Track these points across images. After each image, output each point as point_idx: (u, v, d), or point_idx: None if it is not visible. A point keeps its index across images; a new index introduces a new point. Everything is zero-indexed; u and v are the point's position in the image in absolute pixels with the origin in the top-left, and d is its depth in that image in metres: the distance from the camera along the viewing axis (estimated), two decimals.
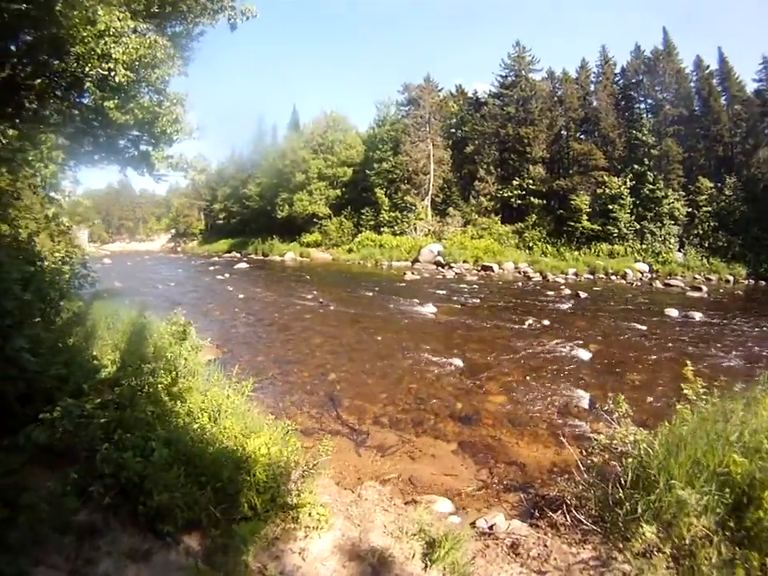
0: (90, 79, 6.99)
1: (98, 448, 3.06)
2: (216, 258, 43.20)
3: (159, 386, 4.07)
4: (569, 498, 3.58)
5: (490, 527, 3.84)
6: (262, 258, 42.24)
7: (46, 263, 5.19)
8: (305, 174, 43.33)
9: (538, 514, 3.88)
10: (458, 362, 9.34)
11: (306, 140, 46.49)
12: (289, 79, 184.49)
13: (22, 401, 3.33)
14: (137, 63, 6.90)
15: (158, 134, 9.58)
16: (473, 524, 3.91)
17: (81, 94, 7.54)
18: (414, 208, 38.04)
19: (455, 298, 18.13)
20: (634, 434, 3.47)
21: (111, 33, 6.14)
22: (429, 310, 15.10)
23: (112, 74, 6.52)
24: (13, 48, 6.68)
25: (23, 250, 4.78)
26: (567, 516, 3.37)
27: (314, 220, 42.83)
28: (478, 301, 17.75)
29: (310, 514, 3.25)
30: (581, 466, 3.81)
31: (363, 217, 40.10)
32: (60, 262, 5.54)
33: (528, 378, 8.58)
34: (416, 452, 5.70)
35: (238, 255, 44.80)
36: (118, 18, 6.43)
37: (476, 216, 36.69)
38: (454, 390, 7.95)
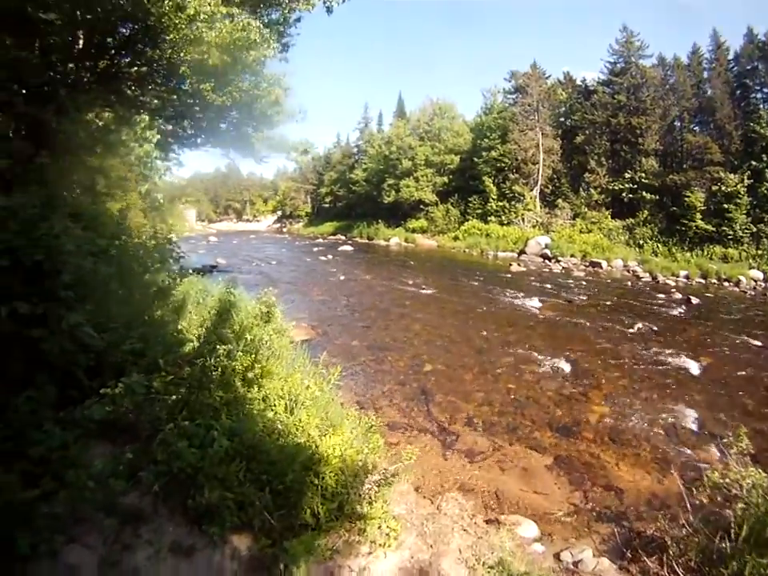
0: (185, 64, 7.27)
1: (161, 428, 3.05)
2: (320, 240, 44.89)
3: (234, 368, 4.04)
4: (668, 541, 3.06)
5: (576, 563, 3.53)
6: (366, 241, 42.93)
7: (134, 238, 5.41)
8: (411, 161, 43.29)
9: (630, 555, 3.49)
10: (561, 364, 8.61)
11: (412, 127, 46.63)
12: (394, 66, 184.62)
13: (91, 374, 3.40)
14: (231, 46, 7.04)
15: (257, 115, 9.96)
16: (557, 555, 3.64)
17: (178, 80, 7.93)
18: (522, 198, 36.61)
19: (561, 294, 17.03)
20: (752, 476, 2.80)
21: (202, 18, 6.30)
22: (533, 304, 14.32)
23: (206, 57, 6.71)
24: (110, 41, 7.13)
25: (104, 225, 5.01)
26: (663, 565, 2.84)
27: (421, 206, 42.71)
28: (585, 298, 16.50)
29: (379, 527, 2.99)
30: (686, 503, 3.40)
31: (470, 205, 39.21)
32: (148, 238, 5.77)
33: (633, 388, 7.70)
34: (507, 462, 5.25)
35: (343, 238, 45.91)
36: (209, 4, 6.57)
37: (585, 209, 34.53)
38: (554, 395, 7.28)
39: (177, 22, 6.59)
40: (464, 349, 9.43)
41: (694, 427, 6.31)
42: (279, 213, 77.02)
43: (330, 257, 27.64)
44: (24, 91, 6.30)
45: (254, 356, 4.47)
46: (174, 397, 3.40)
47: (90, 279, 3.53)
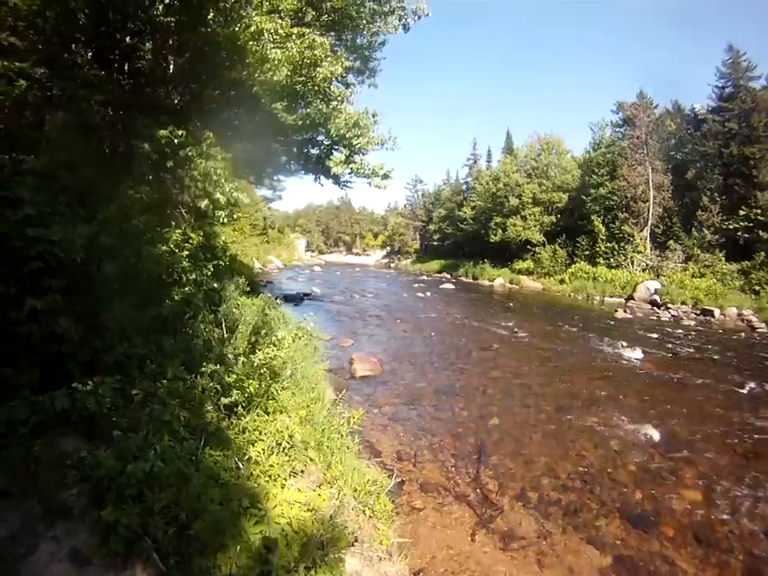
0: (259, 85, 7.80)
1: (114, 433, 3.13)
2: (424, 277, 46.08)
3: (213, 391, 4.02)
4: None
5: None
6: (471, 281, 43.44)
7: (170, 251, 5.71)
8: (519, 199, 43.24)
9: None
10: (653, 431, 7.39)
11: (519, 163, 46.70)
12: (502, 102, 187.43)
13: (89, 370, 3.67)
14: (299, 63, 7.42)
15: (333, 136, 10.38)
16: None
17: (253, 100, 8.52)
18: (631, 239, 34.74)
19: (667, 345, 15.27)
20: None
21: (267, 37, 6.73)
22: (634, 356, 12.93)
23: (270, 74, 7.13)
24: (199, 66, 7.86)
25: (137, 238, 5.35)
26: None
27: (527, 246, 42.18)
28: (692, 351, 14.61)
29: None
30: None
31: (578, 246, 38.09)
32: (183, 251, 6.03)
33: (737, 468, 6.18)
34: (551, 556, 4.35)
35: (448, 276, 46.91)
36: (281, 26, 7.00)
37: (698, 251, 31.35)
38: (636, 469, 6.16)
39: (255, 48, 7.12)
40: (542, 403, 8.55)
41: None
42: (388, 248, 79.65)
43: (428, 294, 27.83)
44: (111, 111, 7.11)
45: (258, 384, 4.39)
46: (147, 409, 3.45)
47: (82, 279, 3.70)
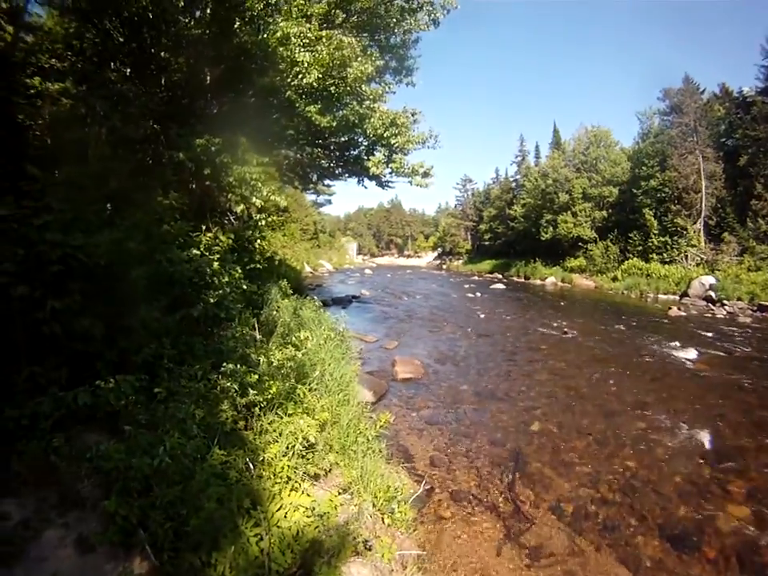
0: (291, 89, 7.96)
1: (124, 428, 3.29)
2: (475, 278, 45.54)
3: (230, 391, 4.10)
4: None
5: None
6: (522, 281, 42.74)
7: (200, 254, 5.90)
8: (568, 194, 42.08)
9: None
10: (703, 438, 6.88)
11: (567, 158, 45.43)
12: (547, 95, 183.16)
13: (116, 368, 3.88)
14: (330, 65, 7.52)
15: (371, 137, 10.44)
16: None
17: (287, 105, 8.71)
18: (684, 233, 32.84)
19: (722, 344, 14.28)
20: None
21: (295, 41, 6.87)
22: (687, 356, 12.18)
23: (300, 77, 7.27)
24: (233, 76, 8.13)
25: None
26: None
27: (579, 244, 41.04)
28: (749, 350, 13.54)
29: None
30: None
31: (630, 242, 36.79)
32: (213, 254, 6.20)
33: None
34: (578, 575, 4.11)
35: (499, 276, 46.23)
36: (310, 30, 7.12)
37: (753, 243, 29.11)
38: (682, 481, 5.71)
39: (285, 53, 7.29)
40: (588, 407, 8.16)
41: None
42: (439, 249, 79.29)
43: (478, 294, 27.51)
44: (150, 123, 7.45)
45: (282, 384, 4.46)
46: (162, 407, 3.61)
47: (107, 282, 3.88)
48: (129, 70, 7.12)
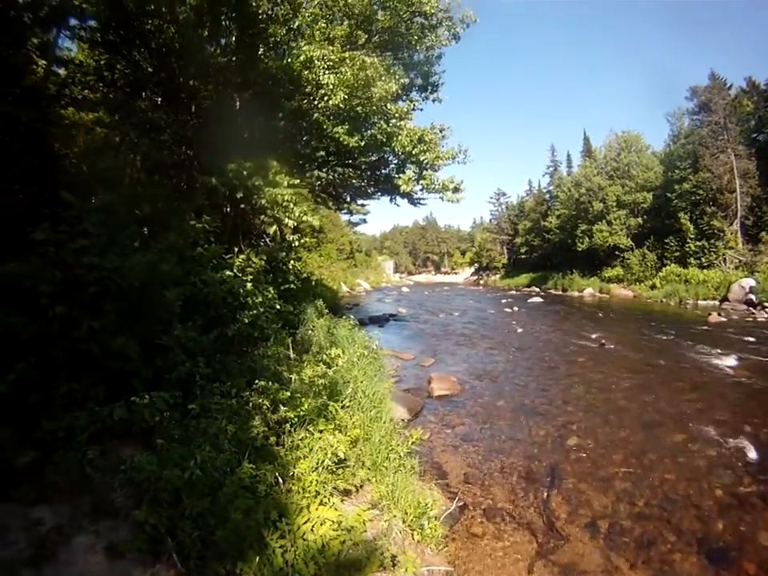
0: (317, 111, 8.16)
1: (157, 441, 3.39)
2: (513, 292, 45.20)
3: (262, 407, 4.17)
4: None
5: None
6: (560, 293, 42.27)
7: (233, 276, 6.03)
8: (602, 203, 41.72)
9: None
10: (745, 449, 6.51)
11: (599, 165, 45.08)
12: (577, 103, 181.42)
13: (151, 385, 4.03)
14: (354, 85, 7.68)
15: (399, 154, 10.56)
16: None
17: (316, 127, 8.91)
18: (721, 235, 31.96)
19: (764, 349, 13.65)
20: None
21: (318, 64, 7.06)
22: (728, 363, 11.71)
23: (326, 99, 7.44)
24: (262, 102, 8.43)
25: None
26: None
27: (616, 253, 40.65)
28: None
29: None
30: None
31: (667, 247, 36.00)
32: (246, 275, 6.34)
33: None
34: None
35: (537, 289, 45.95)
36: (331, 51, 7.33)
37: None
38: (724, 494, 5.40)
39: (310, 76, 7.50)
40: (627, 420, 7.88)
41: None
42: (476, 264, 78.88)
43: (515, 309, 27.20)
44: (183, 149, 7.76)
45: (314, 401, 4.51)
46: (194, 422, 3.69)
47: (142, 303, 4.02)
48: (159, 99, 7.47)
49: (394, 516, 3.91)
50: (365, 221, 52.51)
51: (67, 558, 2.51)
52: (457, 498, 5.06)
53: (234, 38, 7.64)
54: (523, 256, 61.31)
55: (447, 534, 4.37)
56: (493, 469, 6.12)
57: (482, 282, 68.00)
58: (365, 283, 51.27)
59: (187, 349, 4.73)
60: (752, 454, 6.42)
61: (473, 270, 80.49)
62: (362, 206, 27.02)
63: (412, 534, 3.92)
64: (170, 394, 3.75)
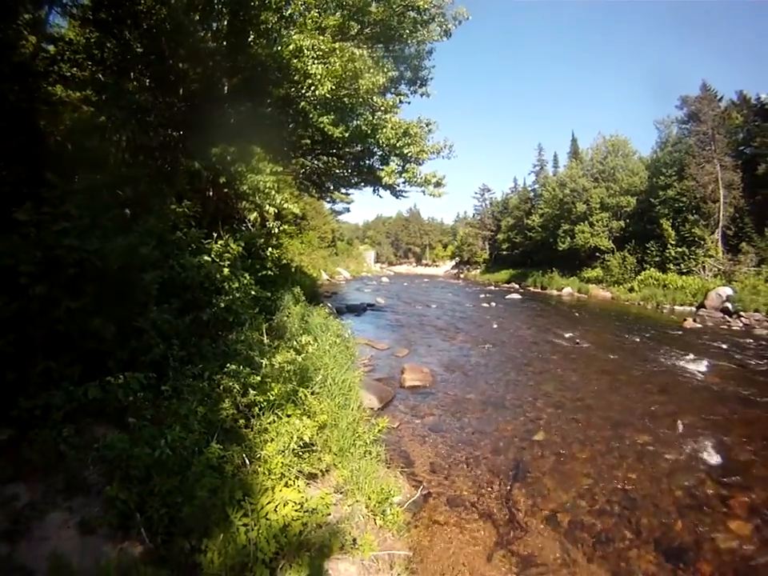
0: (304, 100, 8.22)
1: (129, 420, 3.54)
2: (492, 287, 45.52)
3: (232, 390, 4.30)
4: None
5: None
6: (539, 291, 42.80)
7: (211, 261, 6.13)
8: (586, 204, 42.39)
9: None
10: (708, 452, 6.83)
11: (585, 167, 45.68)
12: (566, 104, 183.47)
13: (125, 366, 4.11)
14: (342, 76, 7.75)
15: (384, 147, 10.67)
16: None
17: (302, 116, 8.96)
18: (702, 243, 32.85)
19: (735, 357, 14.15)
20: None
21: (308, 54, 7.12)
22: (699, 368, 12.12)
23: (312, 88, 7.51)
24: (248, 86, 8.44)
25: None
26: None
27: (596, 254, 41.30)
28: (763, 363, 13.39)
29: None
30: None
31: (648, 252, 36.83)
32: (224, 261, 6.43)
33: None
34: None
35: (516, 286, 46.43)
36: (323, 41, 7.39)
37: None
38: (684, 495, 5.62)
39: (299, 65, 7.55)
40: (594, 418, 8.15)
41: None
42: (457, 258, 79.35)
43: (493, 304, 27.54)
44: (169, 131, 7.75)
45: (283, 387, 4.64)
46: (166, 403, 3.85)
47: (120, 285, 4.12)
48: (148, 80, 7.45)
49: (358, 501, 4.07)
50: (348, 210, 52.40)
51: (41, 534, 2.65)
52: (421, 487, 5.21)
53: (225, 23, 7.63)
54: (504, 252, 61.76)
55: (410, 521, 4.50)
56: (459, 460, 6.26)
57: (462, 275, 68.33)
58: (345, 272, 51.24)
59: (162, 331, 4.85)
60: (714, 458, 6.65)
61: (453, 263, 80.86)
62: (346, 194, 27.02)
63: (374, 519, 4.06)
64: (143, 375, 3.89)
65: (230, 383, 4.27)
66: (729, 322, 23.73)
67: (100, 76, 6.64)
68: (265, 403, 4.33)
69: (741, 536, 4.83)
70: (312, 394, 5.15)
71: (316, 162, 12.88)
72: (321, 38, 7.36)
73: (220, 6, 7.50)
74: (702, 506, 5.42)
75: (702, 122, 35.08)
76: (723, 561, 4.45)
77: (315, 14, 8.28)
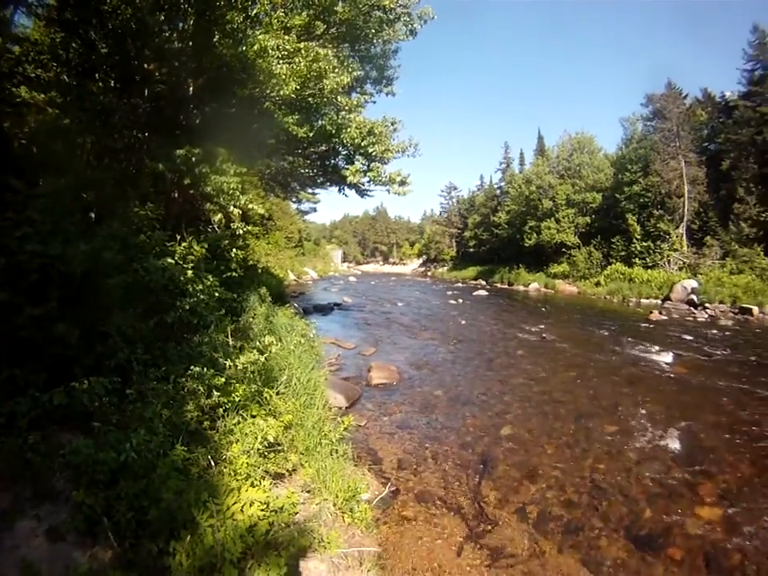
0: (269, 100, 8.27)
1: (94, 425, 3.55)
2: (459, 284, 46.35)
3: (196, 391, 4.34)
4: None
5: None
6: (506, 287, 43.63)
7: (175, 263, 6.14)
8: (552, 201, 43.33)
9: None
10: (675, 441, 7.05)
11: (552, 164, 46.74)
12: (533, 100, 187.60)
13: (92, 372, 4.06)
14: (307, 76, 7.83)
15: (348, 146, 10.79)
16: None
17: (267, 116, 9.00)
18: (667, 237, 34.18)
19: (701, 348, 14.67)
20: None
21: (272, 54, 7.19)
22: (665, 359, 12.53)
23: (277, 89, 7.58)
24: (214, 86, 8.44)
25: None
26: None
27: (563, 250, 42.21)
28: (728, 352, 13.95)
29: None
30: None
31: (614, 247, 38.01)
32: (187, 263, 6.45)
33: (765, 486, 5.71)
34: None
35: (483, 283, 47.21)
36: (288, 41, 7.46)
37: (735, 246, 30.40)
38: (652, 483, 5.79)
39: (263, 65, 7.60)
40: (561, 411, 8.33)
41: None
42: (424, 257, 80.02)
43: (460, 301, 27.92)
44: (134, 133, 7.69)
45: (248, 387, 4.70)
46: (131, 407, 3.88)
47: (84, 290, 4.14)
48: (113, 81, 7.37)
49: (325, 499, 4.16)
50: (315, 209, 52.31)
51: (10, 543, 2.67)
52: (390, 483, 5.29)
53: (191, 23, 7.61)
54: (471, 249, 62.59)
55: (379, 518, 4.58)
56: (427, 456, 6.31)
57: (429, 273, 69.00)
58: (312, 272, 51.08)
59: (127, 335, 4.87)
60: (680, 447, 6.83)
61: (421, 261, 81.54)
62: (312, 194, 27.01)
63: (342, 517, 4.14)
64: (108, 379, 3.89)
65: (195, 385, 4.31)
66: (694, 313, 24.51)
67: (65, 77, 6.54)
68: (229, 404, 4.38)
69: (710, 521, 4.96)
70: (277, 394, 5.24)
71: (281, 162, 12.91)
72: (286, 37, 7.43)
73: (186, 6, 7.47)
74: (670, 493, 5.55)
75: (667, 119, 36.03)
76: (693, 546, 4.55)
77: (281, 14, 8.33)
